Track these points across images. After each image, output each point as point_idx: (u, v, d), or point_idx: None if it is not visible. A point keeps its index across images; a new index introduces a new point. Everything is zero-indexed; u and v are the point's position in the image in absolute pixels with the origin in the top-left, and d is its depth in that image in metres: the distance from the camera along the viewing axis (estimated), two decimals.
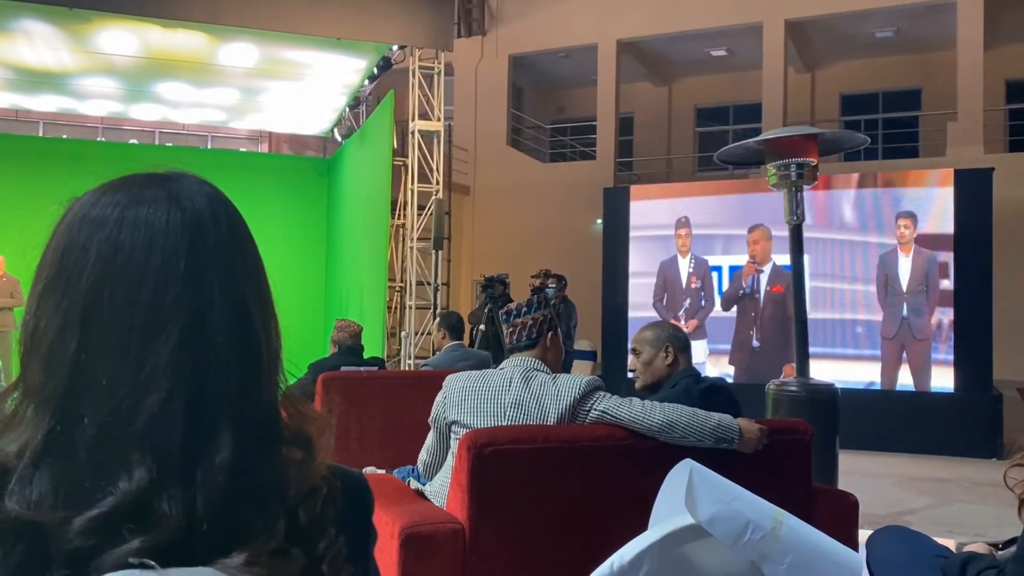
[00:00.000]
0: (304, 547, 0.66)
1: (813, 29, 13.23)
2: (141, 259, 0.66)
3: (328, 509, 0.69)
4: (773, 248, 8.47)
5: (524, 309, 2.67)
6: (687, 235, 8.94)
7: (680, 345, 2.95)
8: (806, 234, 4.73)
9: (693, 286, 8.90)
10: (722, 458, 2.49)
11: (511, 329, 2.66)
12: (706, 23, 13.18)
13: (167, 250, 0.67)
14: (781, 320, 8.31)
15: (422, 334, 9.77)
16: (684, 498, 0.91)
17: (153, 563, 0.58)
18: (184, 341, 0.65)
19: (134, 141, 13.98)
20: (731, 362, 8.67)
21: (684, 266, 8.95)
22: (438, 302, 9.79)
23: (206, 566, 0.60)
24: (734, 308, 8.71)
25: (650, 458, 2.44)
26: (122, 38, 8.44)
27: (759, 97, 13.10)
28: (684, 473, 0.97)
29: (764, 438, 2.52)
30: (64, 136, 13.41)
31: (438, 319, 5.82)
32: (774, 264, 8.45)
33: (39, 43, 8.62)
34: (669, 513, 0.96)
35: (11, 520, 0.60)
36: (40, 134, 13.50)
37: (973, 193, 7.84)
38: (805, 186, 4.42)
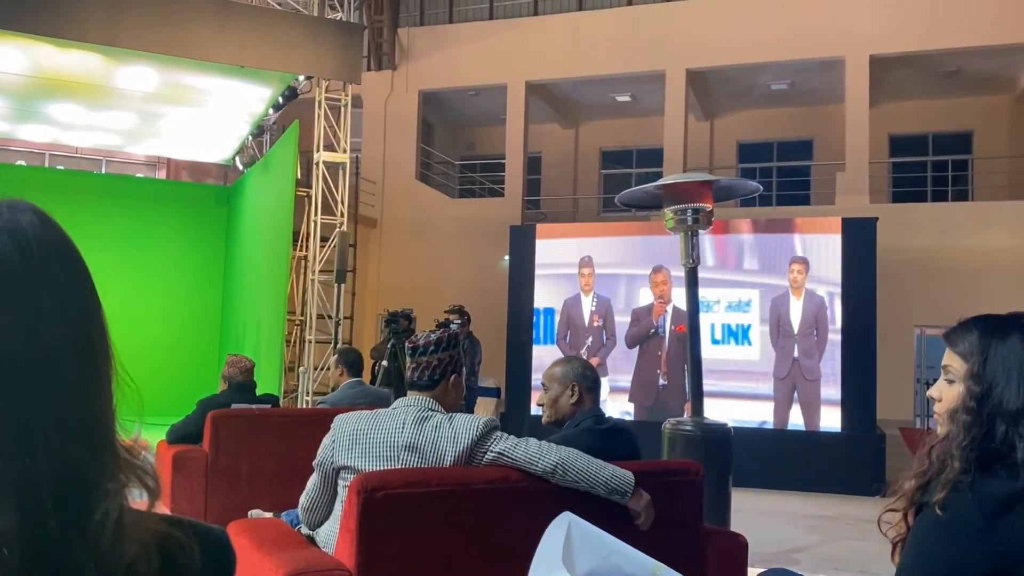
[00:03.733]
0: None
1: (713, 79, 13.77)
2: None
3: None
4: (672, 288, 8.69)
5: (432, 348, 2.57)
6: (590, 274, 9.08)
7: (587, 384, 2.93)
8: (708, 275, 4.87)
9: (596, 324, 9.02)
10: (615, 502, 2.50)
11: (414, 365, 2.57)
12: (612, 69, 13.55)
13: None
14: (682, 358, 8.50)
15: (322, 369, 9.56)
16: (561, 554, 0.89)
17: None
18: None
19: (22, 163, 13.33)
20: (631, 399, 8.79)
21: (587, 304, 9.07)
22: (339, 336, 9.60)
23: None
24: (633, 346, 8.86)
25: (544, 502, 2.42)
26: (10, 55, 8.05)
27: (661, 142, 13.50)
28: (563, 527, 0.95)
29: (651, 516, 2.51)
30: None
31: (336, 355, 5.69)
32: (674, 305, 8.66)
33: None
34: (547, 568, 0.94)
35: None
36: None
37: (859, 240, 8.24)
38: (701, 230, 4.55)
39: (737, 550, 2.91)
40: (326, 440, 2.51)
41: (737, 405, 8.26)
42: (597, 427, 2.81)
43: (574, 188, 15.88)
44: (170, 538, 0.65)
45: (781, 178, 14.81)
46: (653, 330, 8.77)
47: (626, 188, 5.07)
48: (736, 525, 3.94)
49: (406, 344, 2.64)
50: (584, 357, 8.80)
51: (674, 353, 8.63)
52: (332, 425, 2.51)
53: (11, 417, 0.60)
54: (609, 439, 2.77)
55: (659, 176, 9.80)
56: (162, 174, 14.64)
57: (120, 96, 9.14)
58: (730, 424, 4.63)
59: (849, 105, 12.48)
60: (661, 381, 8.72)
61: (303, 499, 2.59)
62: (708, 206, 4.46)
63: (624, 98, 14.71)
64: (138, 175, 14.19)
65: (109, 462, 0.64)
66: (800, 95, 14.08)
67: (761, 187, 4.92)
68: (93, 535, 0.60)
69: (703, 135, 14.95)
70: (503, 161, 14.49)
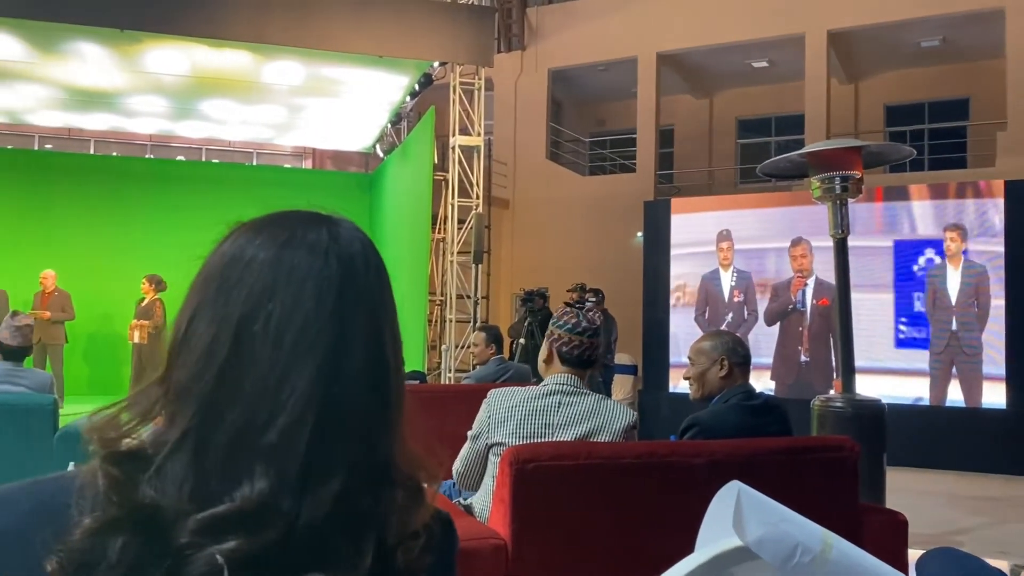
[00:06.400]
0: None
1: (856, 39, 13.05)
2: (295, 293, 0.70)
3: (425, 555, 0.71)
4: (815, 261, 8.38)
5: (588, 331, 2.58)
6: (729, 248, 8.87)
7: (736, 359, 2.86)
8: (859, 243, 4.68)
9: (736, 300, 8.82)
10: (766, 477, 2.47)
11: (576, 343, 2.57)
12: (747, 35, 13.08)
13: (320, 289, 0.71)
14: (827, 334, 8.19)
15: (462, 347, 9.81)
16: (732, 519, 0.91)
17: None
18: (322, 373, 0.68)
19: (181, 158, 14.28)
20: (772, 376, 8.56)
21: (726, 279, 8.87)
22: (478, 315, 9.82)
23: None
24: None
25: (693, 476, 2.43)
26: (170, 57, 8.65)
27: (802, 108, 12.95)
28: (731, 494, 0.97)
29: None
30: (114, 153, 13.76)
31: (478, 332, 5.83)
32: (817, 277, 8.35)
33: (91, 64, 8.86)
34: (716, 535, 0.96)
35: (145, 507, 0.64)
36: (91, 152, 13.85)
37: None
38: (850, 199, 4.37)
39: (896, 528, 2.81)
40: (482, 414, 2.59)
41: (890, 381, 7.89)
42: (747, 403, 2.76)
43: (709, 160, 15.50)
44: (426, 523, 0.74)
45: (933, 141, 13.93)
46: (792, 305, 8.49)
47: (765, 158, 4.92)
48: (892, 505, 3.79)
49: (564, 320, 2.62)
50: None
51: (817, 328, 8.33)
52: (486, 400, 2.59)
53: (362, 415, 0.70)
54: (760, 415, 2.72)
55: (800, 144, 9.44)
56: (308, 164, 15.34)
57: (268, 91, 9.64)
58: (883, 400, 4.45)
59: (1011, 59, 11.55)
60: (803, 357, 8.44)
61: (458, 464, 2.68)
62: (857, 173, 4.28)
63: (761, 64, 14.19)
64: (286, 165, 14.93)
65: (408, 450, 0.74)
66: (953, 51, 13.15)
67: (914, 151, 4.66)
68: (385, 507, 0.70)
69: (847, 99, 14.23)
70: (634, 136, 14.32)
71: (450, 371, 9.52)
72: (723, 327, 8.75)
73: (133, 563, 0.62)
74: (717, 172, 15.23)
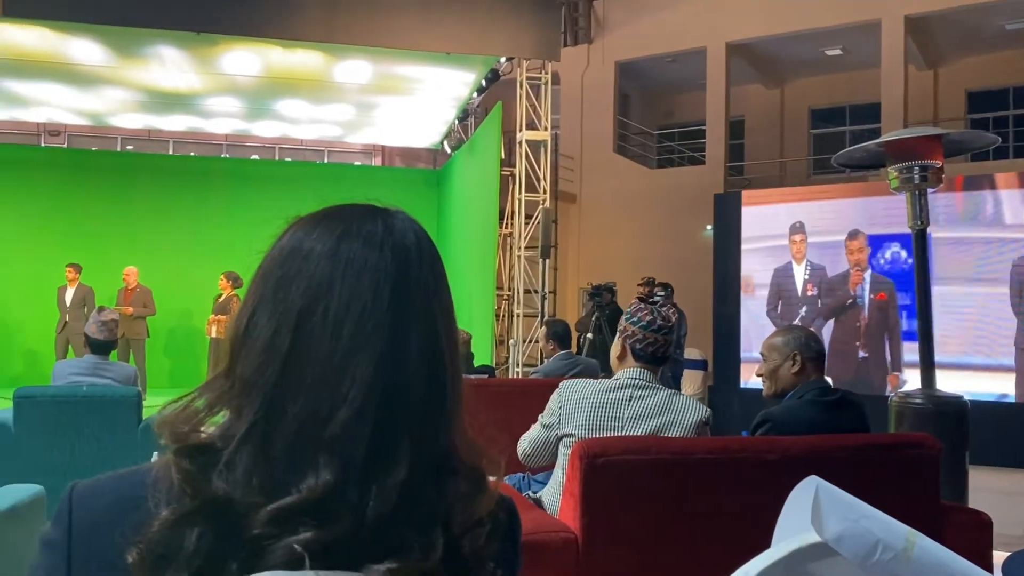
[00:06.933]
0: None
1: (936, 24, 12.60)
2: (352, 285, 0.71)
3: (492, 542, 0.72)
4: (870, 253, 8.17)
5: (663, 328, 2.56)
6: (802, 241, 8.68)
7: (810, 354, 2.81)
8: (942, 234, 4.53)
9: (810, 294, 8.62)
10: (842, 474, 2.41)
11: (650, 340, 2.55)
12: (820, 22, 12.75)
13: (377, 280, 0.72)
14: (883, 329, 7.98)
15: (530, 342, 9.83)
16: (810, 515, 0.90)
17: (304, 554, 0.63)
18: (381, 364, 0.69)
19: (256, 157, 14.64)
20: (827, 374, 8.35)
21: (799, 273, 8.68)
22: (545, 310, 9.82)
23: (356, 571, 0.63)
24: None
25: (765, 472, 2.39)
26: (245, 59, 8.87)
27: (877, 97, 12.56)
28: (809, 490, 0.95)
29: None
30: (192, 154, 14.18)
31: (545, 327, 5.83)
32: (872, 272, 8.13)
33: (170, 67, 9.16)
34: (794, 530, 0.94)
35: (218, 499, 0.66)
36: (170, 152, 14.32)
37: None
38: (930, 189, 4.23)
39: (980, 528, 2.72)
40: (553, 403, 2.59)
41: (970, 377, 7.61)
42: (822, 398, 2.70)
43: (780, 151, 15.17)
44: (491, 511, 0.74)
45: (1018, 128, 13.35)
46: (851, 300, 8.28)
47: (839, 148, 4.80)
48: (974, 505, 3.66)
49: (637, 315, 2.60)
50: None
51: (875, 323, 8.10)
52: (558, 389, 2.59)
53: (421, 405, 0.71)
54: (836, 411, 2.66)
55: (876, 133, 9.16)
56: (377, 161, 15.56)
57: (339, 90, 9.82)
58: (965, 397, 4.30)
59: None
60: (861, 353, 8.21)
61: (525, 444, 2.68)
62: (937, 162, 4.13)
63: (834, 52, 13.82)
64: (356, 163, 15.17)
65: (469, 439, 0.75)
66: None
67: (999, 138, 4.48)
68: (449, 496, 0.71)
69: (925, 85, 13.75)
70: (703, 128, 14.11)
71: (518, 366, 9.55)
72: (796, 321, 8.57)
73: (209, 554, 0.64)
74: (789, 163, 14.90)
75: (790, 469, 2.36)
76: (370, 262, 0.72)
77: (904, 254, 7.88)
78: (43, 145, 13.91)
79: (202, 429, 0.71)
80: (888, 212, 7.92)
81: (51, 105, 10.87)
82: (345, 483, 0.66)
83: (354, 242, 0.73)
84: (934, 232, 7.31)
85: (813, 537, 0.86)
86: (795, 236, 8.71)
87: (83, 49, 8.58)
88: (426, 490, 0.68)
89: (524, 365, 9.65)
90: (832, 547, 0.85)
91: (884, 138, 4.34)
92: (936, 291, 7.56)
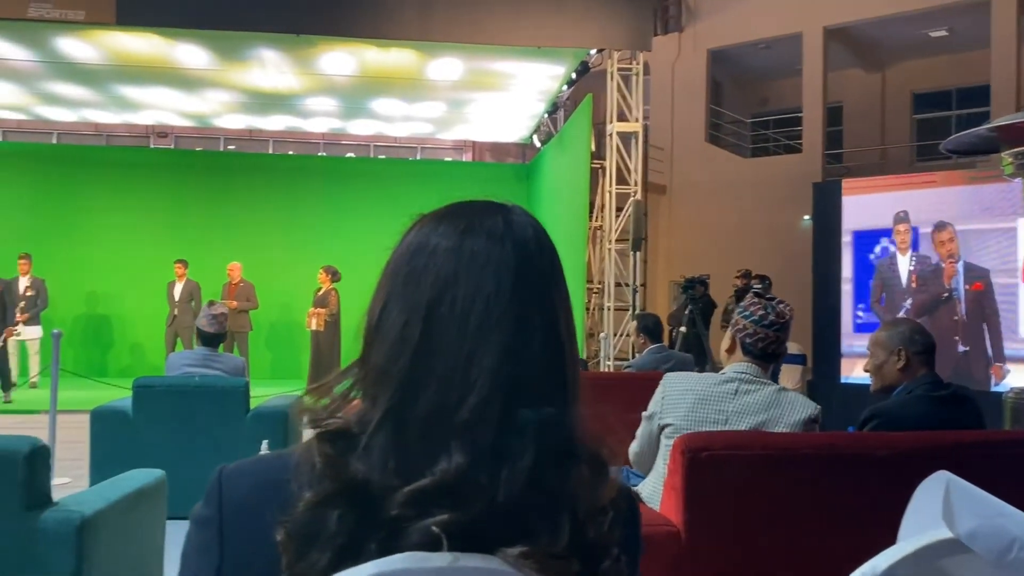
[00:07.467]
0: (586, 562, 0.70)
1: None
2: (477, 278, 0.75)
3: (615, 529, 0.73)
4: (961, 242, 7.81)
5: (776, 324, 2.48)
6: (907, 231, 8.35)
7: (916, 349, 2.71)
8: (1006, 224, 4.29)
9: (915, 286, 8.30)
10: (955, 472, 2.32)
11: (761, 335, 2.49)
12: (924, 2, 12.22)
13: (499, 273, 0.75)
14: (980, 321, 7.62)
15: (620, 335, 9.77)
16: (940, 511, 0.88)
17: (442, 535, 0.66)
18: (506, 353, 0.72)
19: (351, 155, 15.00)
20: None
21: (904, 264, 8.36)
22: (636, 303, 9.75)
23: (490, 553, 0.66)
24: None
25: (873, 470, 2.33)
26: (342, 59, 9.10)
27: (986, 79, 11.97)
28: (939, 485, 0.93)
29: None
30: (290, 152, 14.64)
31: (636, 321, 5.79)
32: (965, 261, 7.76)
33: (270, 68, 9.47)
34: (922, 526, 0.93)
35: (357, 482, 0.70)
36: (270, 151, 14.81)
37: None
38: None
39: None
40: (657, 395, 2.58)
41: None
42: (933, 393, 2.61)
43: (882, 138, 14.62)
44: (613, 498, 0.76)
45: None
46: (947, 293, 7.92)
47: (945, 133, 4.61)
48: None
49: (750, 310, 2.53)
50: None
51: (973, 315, 7.73)
52: (662, 381, 2.58)
53: (544, 392, 0.74)
54: (948, 407, 2.56)
55: (984, 118, 8.75)
56: (468, 157, 15.72)
57: (431, 87, 9.96)
58: None
59: None
60: (960, 347, 7.85)
61: (634, 446, 2.68)
62: None
63: (939, 33, 13.23)
64: (447, 159, 15.37)
65: (588, 428, 0.77)
66: None
67: None
68: (573, 482, 0.73)
69: None
70: (800, 115, 13.73)
71: (609, 359, 9.51)
72: (901, 315, 8.26)
73: (351, 533, 0.68)
74: (890, 150, 14.35)
75: (900, 466, 2.29)
76: (493, 256, 0.75)
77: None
78: (152, 147, 14.60)
79: (338, 415, 0.75)
80: (999, 199, 7.55)
81: (159, 108, 11.39)
82: (476, 467, 0.68)
83: (477, 237, 0.76)
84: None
85: (944, 533, 0.84)
86: (899, 226, 8.39)
87: (189, 53, 8.96)
88: (552, 475, 0.71)
89: (615, 359, 9.60)
90: (964, 543, 0.83)
91: (997, 122, 4.15)
92: None
